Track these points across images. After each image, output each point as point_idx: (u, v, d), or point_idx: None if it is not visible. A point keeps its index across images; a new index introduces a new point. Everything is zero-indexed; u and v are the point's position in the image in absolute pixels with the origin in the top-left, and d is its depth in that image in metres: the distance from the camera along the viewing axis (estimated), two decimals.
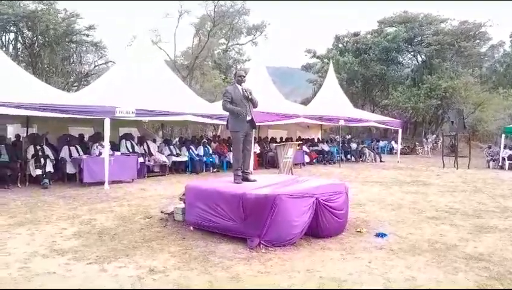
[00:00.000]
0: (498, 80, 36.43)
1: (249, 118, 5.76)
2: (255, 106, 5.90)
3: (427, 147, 23.77)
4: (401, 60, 33.60)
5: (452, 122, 16.40)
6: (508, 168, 15.77)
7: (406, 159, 20.26)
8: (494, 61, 41.01)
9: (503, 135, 17.18)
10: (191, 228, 5.33)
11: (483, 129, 27.08)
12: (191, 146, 13.07)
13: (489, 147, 18.55)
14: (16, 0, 21.76)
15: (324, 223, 5.03)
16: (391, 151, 25.02)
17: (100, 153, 9.79)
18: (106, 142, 9.32)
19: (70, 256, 4.29)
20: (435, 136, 27.52)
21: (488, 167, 16.64)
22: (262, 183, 5.50)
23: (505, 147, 16.80)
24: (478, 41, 30.81)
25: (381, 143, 25.22)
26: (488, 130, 26.62)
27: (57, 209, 6.79)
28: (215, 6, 28.71)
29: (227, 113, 5.88)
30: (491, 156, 17.18)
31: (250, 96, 5.73)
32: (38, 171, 9.27)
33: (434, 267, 4.08)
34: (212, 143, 14.40)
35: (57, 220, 5.98)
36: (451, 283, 3.70)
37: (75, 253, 4.39)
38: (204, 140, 14.37)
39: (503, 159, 16.26)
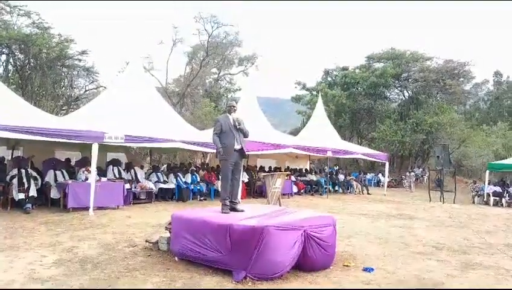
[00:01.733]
0: (481, 117, 37.49)
1: (238, 147, 5.80)
2: (245, 135, 5.97)
3: (410, 182, 23.49)
4: (388, 94, 34.48)
5: (438, 157, 16.68)
6: (493, 204, 15.96)
7: (393, 192, 20.38)
8: (477, 99, 42.32)
9: (487, 171, 17.48)
10: (176, 258, 5.23)
11: (468, 165, 27.53)
12: (178, 173, 12.98)
13: (475, 182, 18.82)
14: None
15: (312, 256, 4.97)
16: (378, 183, 25.20)
17: (86, 179, 9.65)
18: (93, 168, 9.21)
19: (49, 285, 4.15)
20: (421, 169, 27.87)
21: (473, 202, 16.82)
22: (250, 213, 5.46)
23: (489, 183, 17.07)
24: (462, 79, 31.82)
25: (369, 175, 25.41)
26: (472, 166, 27.06)
27: (38, 235, 6.61)
28: (209, 37, 29.29)
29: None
30: (476, 191, 17.42)
31: (239, 127, 5.80)
32: (21, 196, 9.05)
33: None
34: (201, 171, 14.33)
35: (38, 246, 5.81)
36: None
37: (54, 281, 4.25)
38: (193, 167, 14.30)
39: (488, 194, 16.49)
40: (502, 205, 15.92)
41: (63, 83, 27.04)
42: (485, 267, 5.67)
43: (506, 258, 6.29)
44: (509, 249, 7.03)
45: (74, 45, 24.78)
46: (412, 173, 24.13)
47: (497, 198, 16.25)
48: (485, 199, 16.58)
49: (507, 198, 16.13)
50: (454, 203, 15.58)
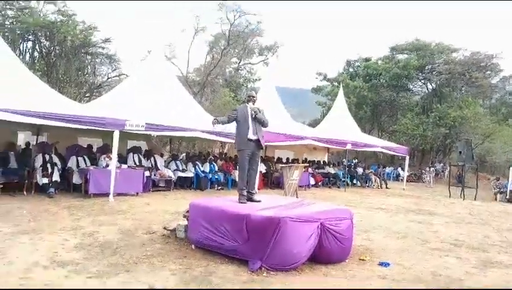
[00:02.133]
0: (508, 112, 36.36)
1: (254, 137, 5.79)
2: (264, 125, 5.93)
3: (429, 177, 23.27)
4: (411, 87, 33.76)
5: (460, 152, 16.31)
6: None
7: (412, 187, 20.09)
8: (504, 93, 41.01)
9: (511, 168, 17.00)
10: (193, 246, 5.31)
11: (492, 161, 26.83)
12: (197, 162, 13.10)
13: (498, 179, 18.34)
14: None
15: (328, 249, 4.97)
16: (397, 178, 24.86)
17: (107, 165, 9.85)
18: (114, 155, 9.39)
19: (70, 268, 4.28)
20: (442, 164, 27.33)
21: (495, 199, 16.43)
22: (267, 204, 5.48)
23: None
24: (489, 72, 30.86)
25: (388, 169, 25.10)
26: (496, 162, 26.37)
27: (60, 219, 6.81)
28: (231, 26, 29.21)
29: (235, 132, 5.97)
30: (499, 188, 16.99)
31: (255, 116, 5.77)
32: (45, 180, 9.32)
33: None
34: (219, 160, 14.42)
35: (60, 230, 5.99)
36: None
37: (75, 265, 4.38)
38: (211, 157, 14.40)
39: (511, 192, 16.06)
40: None
41: (86, 70, 27.50)
42: (505, 266, 5.55)
43: None
44: None
45: (97, 33, 25.15)
46: (432, 168, 23.70)
47: None
48: (507, 197, 16.16)
49: None
50: (475, 199, 15.26)
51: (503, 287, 4.55)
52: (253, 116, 5.79)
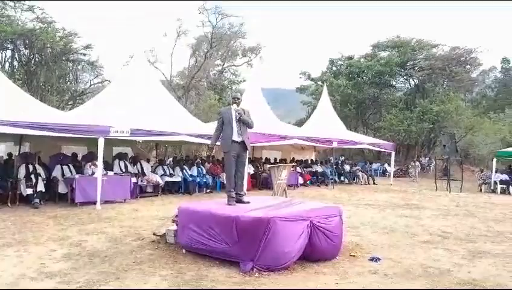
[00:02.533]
0: (488, 105, 37.09)
1: (239, 139, 5.76)
2: (249, 126, 5.92)
3: (415, 171, 22.91)
4: (394, 83, 34.15)
5: (444, 146, 16.58)
6: (500, 192, 15.86)
7: (399, 182, 20.32)
8: (484, 86, 41.87)
9: (494, 159, 17.34)
10: (183, 250, 5.26)
11: (475, 153, 27.32)
12: (184, 166, 13.02)
13: (482, 171, 18.68)
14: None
15: (318, 247, 4.99)
16: (384, 173, 25.08)
17: (93, 173, 9.71)
18: (100, 162, 9.27)
19: (58, 279, 4.20)
20: (427, 159, 27.70)
21: (480, 190, 16.73)
22: (256, 205, 5.47)
23: (496, 171, 16.94)
24: (469, 66, 31.42)
25: (374, 165, 25.29)
26: (479, 154, 26.85)
27: (46, 229, 6.68)
28: (213, 28, 29.13)
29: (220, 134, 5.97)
30: (483, 179, 17.31)
31: (239, 117, 5.76)
32: (29, 191, 9.14)
33: None
34: (206, 163, 14.36)
35: (47, 241, 5.88)
36: None
37: (64, 276, 4.30)
38: (198, 160, 14.33)
39: (495, 183, 16.38)
40: (509, 193, 15.80)
41: (68, 78, 27.15)
42: (492, 256, 5.66)
43: None
44: None
45: (78, 39, 24.85)
46: (417, 163, 23.85)
47: (504, 186, 16.13)
48: (492, 187, 16.47)
49: None
50: (461, 192, 15.51)
51: (503, 287, 4.62)
52: (238, 118, 5.77)
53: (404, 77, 33.37)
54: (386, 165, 25.47)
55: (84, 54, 25.82)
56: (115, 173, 10.53)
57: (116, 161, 11.34)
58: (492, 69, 41.48)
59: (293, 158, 18.16)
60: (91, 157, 10.55)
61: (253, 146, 12.98)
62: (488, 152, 24.51)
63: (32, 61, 24.05)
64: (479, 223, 8.43)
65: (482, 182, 17.19)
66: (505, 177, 16.51)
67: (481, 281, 4.48)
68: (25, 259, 4.92)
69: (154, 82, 13.75)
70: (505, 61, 41.47)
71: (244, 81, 32.38)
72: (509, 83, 40.36)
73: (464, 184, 16.55)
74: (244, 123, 5.82)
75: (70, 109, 20.02)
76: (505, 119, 31.14)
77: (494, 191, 16.12)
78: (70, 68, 26.79)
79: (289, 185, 13.03)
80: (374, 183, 18.65)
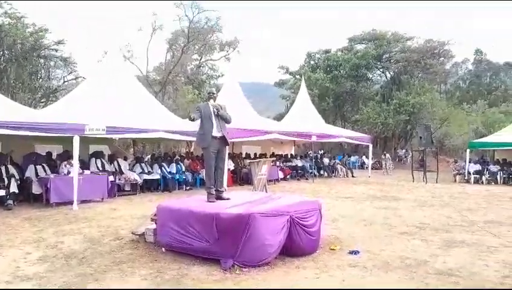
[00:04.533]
0: (462, 96, 38.11)
1: (219, 134, 5.73)
2: (227, 122, 5.89)
3: (385, 164, 22.05)
4: (371, 76, 34.66)
5: (420, 137, 16.94)
6: (474, 182, 16.34)
7: (377, 174, 20.66)
8: (457, 78, 42.95)
9: (467, 150, 17.83)
10: (163, 249, 5.20)
11: (450, 144, 28.04)
12: (163, 163, 12.86)
13: (456, 162, 19.20)
14: None
15: (298, 241, 5.02)
16: (362, 166, 25.47)
17: (69, 172, 9.49)
18: (75, 161, 9.05)
19: (34, 282, 4.09)
20: (404, 150, 28.25)
21: (455, 181, 17.18)
22: (236, 201, 5.46)
23: (470, 161, 17.43)
24: (442, 58, 32.14)
25: (353, 158, 25.66)
26: (454, 145, 27.58)
27: (21, 232, 6.49)
28: (190, 23, 28.76)
29: (198, 130, 5.90)
30: (458, 170, 17.78)
31: (217, 113, 5.72)
32: (2, 192, 8.85)
33: (406, 284, 4.13)
34: (185, 160, 14.23)
35: (21, 243, 5.71)
36: None
37: (39, 279, 4.19)
38: (177, 157, 14.18)
39: (469, 173, 16.86)
40: (482, 182, 16.31)
41: (40, 75, 26.31)
42: (467, 245, 5.82)
43: (487, 235, 6.46)
44: (490, 226, 7.23)
45: (49, 35, 24.07)
46: (388, 155, 23.62)
47: (477, 176, 16.63)
48: (466, 178, 16.95)
49: (487, 175, 16.53)
50: (437, 182, 15.90)
51: (477, 275, 4.74)
52: (216, 113, 5.73)
53: (381, 70, 33.90)
54: (364, 157, 25.85)
55: (56, 50, 25.05)
56: (91, 172, 10.32)
57: (93, 160, 11.12)
58: (465, 61, 42.63)
59: (273, 153, 18.21)
60: (66, 156, 10.29)
61: (233, 141, 12.92)
62: (462, 143, 25.19)
63: (2, 58, 23.21)
64: (454, 213, 8.65)
65: (456, 173, 17.65)
66: (478, 167, 17.02)
67: (456, 270, 4.60)
68: None
69: (130, 78, 13.51)
70: (478, 52, 42.61)
71: (222, 75, 32.15)
72: (481, 75, 41.56)
73: (440, 175, 16.97)
74: (222, 118, 5.79)
75: (43, 107, 19.42)
76: (477, 110, 32.07)
77: (468, 181, 16.60)
78: (42, 65, 25.96)
79: (269, 180, 13.05)
80: (353, 176, 18.91)
